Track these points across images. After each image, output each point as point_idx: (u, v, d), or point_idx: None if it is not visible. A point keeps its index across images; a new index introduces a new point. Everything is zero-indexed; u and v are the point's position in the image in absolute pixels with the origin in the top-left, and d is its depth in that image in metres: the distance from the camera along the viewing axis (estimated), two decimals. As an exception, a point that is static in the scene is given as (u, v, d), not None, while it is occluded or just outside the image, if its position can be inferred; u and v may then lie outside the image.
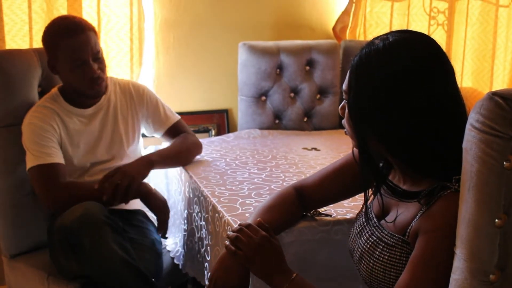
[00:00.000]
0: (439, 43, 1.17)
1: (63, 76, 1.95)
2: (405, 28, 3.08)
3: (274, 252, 1.29)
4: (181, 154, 2.09)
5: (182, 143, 2.11)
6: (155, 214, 1.92)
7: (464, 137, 0.96)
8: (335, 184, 1.44)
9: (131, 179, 1.84)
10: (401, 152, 1.16)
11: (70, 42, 1.87)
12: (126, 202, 1.85)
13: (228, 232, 1.35)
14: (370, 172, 1.22)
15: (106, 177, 1.83)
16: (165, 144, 2.25)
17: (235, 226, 1.35)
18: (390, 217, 1.22)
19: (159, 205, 1.91)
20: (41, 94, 2.07)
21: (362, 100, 1.16)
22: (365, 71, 1.15)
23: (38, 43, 2.37)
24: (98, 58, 1.94)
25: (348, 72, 1.20)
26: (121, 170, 1.85)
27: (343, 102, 1.24)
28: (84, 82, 1.92)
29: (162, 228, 1.94)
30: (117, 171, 1.84)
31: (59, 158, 1.91)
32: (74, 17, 2.00)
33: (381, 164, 1.30)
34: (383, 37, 1.16)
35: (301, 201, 1.48)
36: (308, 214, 1.53)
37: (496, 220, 0.91)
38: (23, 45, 2.37)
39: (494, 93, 0.91)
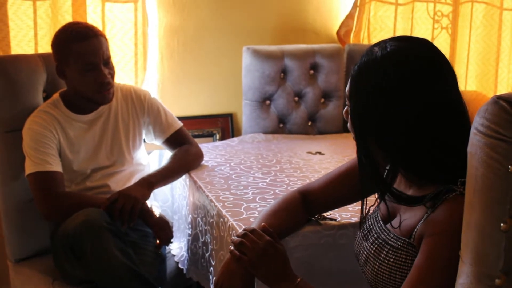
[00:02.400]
0: (440, 48, 1.17)
1: (71, 81, 1.95)
2: (408, 32, 3.08)
3: (278, 257, 1.29)
4: (181, 171, 2.08)
5: (182, 159, 2.09)
6: (155, 232, 1.89)
7: (468, 141, 0.96)
8: (340, 189, 1.45)
9: (134, 201, 1.83)
10: (402, 159, 1.17)
11: (82, 46, 1.88)
12: (132, 224, 1.85)
13: (233, 237, 1.35)
14: (373, 180, 1.22)
15: (109, 202, 1.82)
16: (167, 152, 2.25)
17: (240, 230, 1.35)
18: (395, 222, 1.22)
19: (159, 223, 1.89)
20: (46, 99, 2.08)
21: (362, 109, 1.18)
22: (364, 80, 1.17)
23: (43, 49, 2.39)
24: (108, 63, 1.94)
25: (349, 80, 1.21)
26: (123, 194, 1.84)
27: (346, 107, 1.25)
28: (94, 87, 1.91)
29: (160, 246, 1.93)
30: (119, 195, 1.83)
31: (57, 166, 1.91)
32: (86, 23, 2.01)
33: (386, 170, 1.30)
34: (382, 46, 1.16)
35: (306, 206, 1.48)
36: (313, 218, 1.53)
37: (502, 224, 0.90)
38: (29, 50, 2.38)
39: (499, 97, 0.90)
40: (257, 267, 1.29)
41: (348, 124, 1.25)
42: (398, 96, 1.12)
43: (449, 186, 1.12)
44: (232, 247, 1.32)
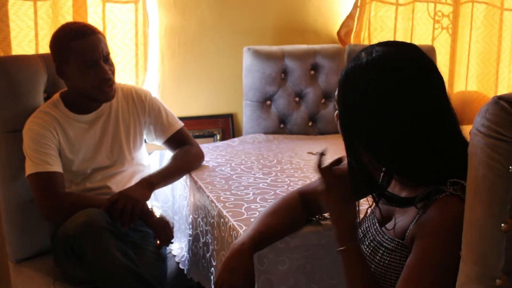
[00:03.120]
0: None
1: (72, 80, 1.94)
2: (409, 33, 3.08)
3: (354, 212, 1.28)
4: (182, 171, 2.08)
5: (183, 160, 2.09)
6: (155, 232, 1.90)
7: (457, 144, 0.97)
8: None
9: (134, 202, 1.83)
10: (390, 162, 1.18)
11: (81, 43, 1.88)
12: (133, 225, 1.85)
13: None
14: (364, 182, 1.22)
15: (109, 203, 1.82)
16: (168, 153, 2.25)
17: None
18: (390, 224, 1.23)
19: (159, 223, 1.89)
20: (47, 100, 2.07)
21: (348, 113, 1.19)
22: (350, 85, 1.18)
23: (44, 49, 2.39)
24: (108, 60, 1.94)
25: (337, 86, 1.22)
26: (123, 195, 1.84)
27: (337, 110, 1.25)
28: (95, 83, 1.91)
29: (160, 247, 1.93)
30: (120, 196, 1.83)
31: (57, 167, 1.91)
32: (83, 22, 2.01)
33: (382, 173, 1.31)
34: (368, 51, 1.17)
35: (305, 206, 1.49)
36: (314, 219, 1.54)
37: (502, 224, 0.90)
38: (29, 51, 2.38)
39: (500, 98, 0.90)
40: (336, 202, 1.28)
41: (338, 128, 1.26)
42: (384, 101, 1.13)
43: (438, 187, 1.12)
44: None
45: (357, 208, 1.31)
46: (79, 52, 1.88)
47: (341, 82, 1.20)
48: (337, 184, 1.27)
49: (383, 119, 1.13)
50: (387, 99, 1.12)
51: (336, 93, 1.23)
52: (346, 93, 1.19)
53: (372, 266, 1.22)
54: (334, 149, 2.48)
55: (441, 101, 1.16)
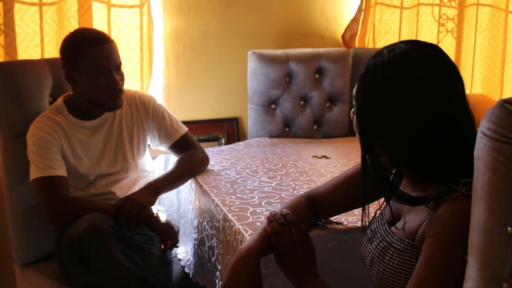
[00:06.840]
0: (447, 53, 1.18)
1: (81, 86, 1.93)
2: (414, 36, 3.08)
3: (305, 256, 1.33)
4: (187, 175, 2.08)
5: (188, 164, 2.09)
6: (160, 237, 1.90)
7: (473, 144, 0.97)
8: (346, 193, 1.45)
9: (140, 207, 1.83)
10: (406, 161, 1.18)
11: (96, 51, 1.87)
12: (138, 230, 1.86)
13: (274, 215, 1.38)
14: (377, 180, 1.23)
15: (115, 208, 1.82)
16: (172, 157, 2.25)
17: (283, 212, 1.39)
18: (400, 224, 1.23)
19: (164, 228, 1.90)
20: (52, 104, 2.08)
21: (367, 110, 1.18)
22: (370, 82, 1.18)
23: (49, 54, 2.40)
24: (119, 69, 1.94)
25: (357, 81, 1.22)
26: (129, 200, 1.84)
27: (354, 107, 1.26)
28: (106, 92, 1.91)
29: (165, 250, 1.93)
30: (126, 201, 1.84)
31: (61, 171, 1.91)
32: (96, 29, 2.00)
33: (393, 171, 1.30)
34: (391, 48, 1.18)
35: (312, 210, 1.48)
36: (319, 222, 1.54)
37: (509, 228, 0.90)
38: (35, 55, 2.39)
39: (505, 101, 0.91)
40: (282, 258, 1.33)
41: (354, 124, 1.26)
42: (403, 98, 1.13)
43: (451, 186, 1.12)
44: (271, 222, 1.36)
45: (366, 210, 1.32)
46: (92, 60, 1.87)
47: (362, 77, 1.20)
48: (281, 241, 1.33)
49: (402, 115, 1.13)
50: (407, 95, 1.13)
51: (355, 88, 1.23)
52: (367, 88, 1.19)
53: (381, 267, 1.22)
54: (339, 152, 2.49)
55: (460, 102, 1.16)
